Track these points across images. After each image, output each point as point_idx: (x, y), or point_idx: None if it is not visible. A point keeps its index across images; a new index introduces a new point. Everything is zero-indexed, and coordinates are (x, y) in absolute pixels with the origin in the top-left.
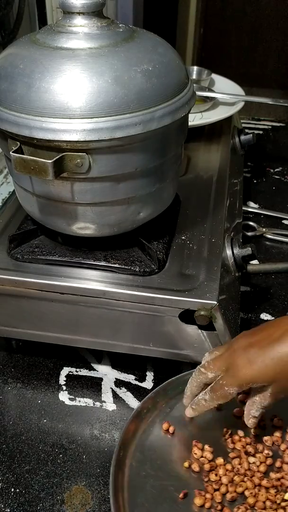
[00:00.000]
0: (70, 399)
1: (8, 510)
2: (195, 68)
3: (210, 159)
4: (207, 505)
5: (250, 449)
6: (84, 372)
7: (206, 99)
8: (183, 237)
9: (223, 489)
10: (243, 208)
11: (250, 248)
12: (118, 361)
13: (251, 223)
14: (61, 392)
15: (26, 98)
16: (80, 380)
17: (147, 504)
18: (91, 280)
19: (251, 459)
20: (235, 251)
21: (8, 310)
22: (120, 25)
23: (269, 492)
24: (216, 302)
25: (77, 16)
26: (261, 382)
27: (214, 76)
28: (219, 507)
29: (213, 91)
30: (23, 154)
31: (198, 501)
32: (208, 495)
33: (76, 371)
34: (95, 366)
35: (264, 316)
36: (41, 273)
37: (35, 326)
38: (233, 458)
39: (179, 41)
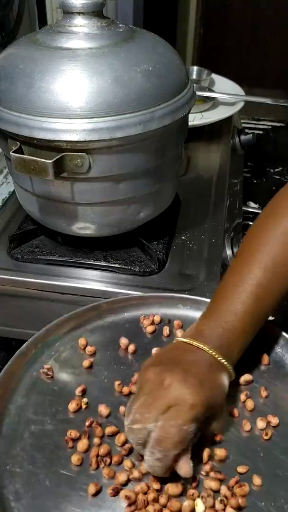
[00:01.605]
0: None
1: None
2: (195, 68)
3: (210, 159)
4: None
5: None
6: None
7: (206, 99)
8: (183, 237)
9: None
10: (243, 208)
11: None
12: None
13: (251, 223)
14: None
15: (26, 98)
16: None
17: (23, 453)
18: (91, 280)
19: None
20: (235, 251)
21: (8, 310)
22: (120, 25)
23: None
24: None
25: (77, 16)
26: (213, 414)
27: (214, 76)
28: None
29: (213, 91)
30: (23, 154)
31: (81, 446)
32: (96, 440)
33: None
34: None
35: None
36: (41, 273)
37: (35, 326)
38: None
39: (179, 41)
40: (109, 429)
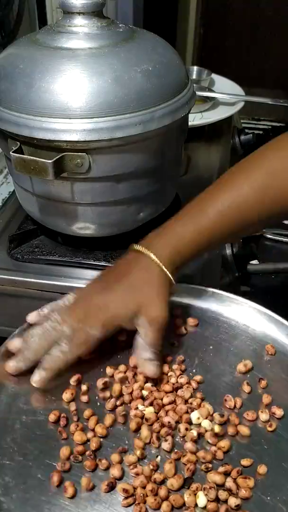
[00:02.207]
0: None
1: None
2: (195, 68)
3: (210, 159)
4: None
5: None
6: None
7: (206, 99)
8: None
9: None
10: None
11: (250, 248)
12: None
13: None
14: None
15: (26, 98)
16: None
17: (13, 444)
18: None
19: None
20: (235, 251)
21: (8, 310)
22: (120, 25)
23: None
24: None
25: (77, 16)
26: (124, 315)
27: (214, 76)
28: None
29: (213, 91)
30: (23, 154)
31: (77, 437)
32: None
33: None
34: None
35: None
36: (41, 273)
37: None
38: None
39: (179, 41)
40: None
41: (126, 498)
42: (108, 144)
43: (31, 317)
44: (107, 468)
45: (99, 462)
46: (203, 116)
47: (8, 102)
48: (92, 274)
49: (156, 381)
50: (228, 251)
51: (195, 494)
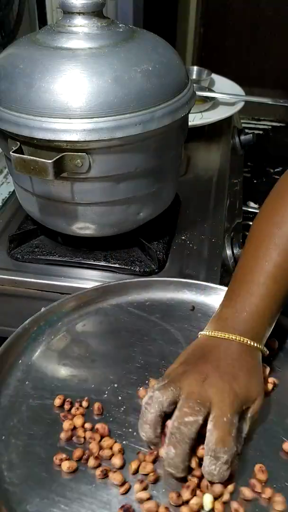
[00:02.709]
0: None
1: None
2: (195, 68)
3: (210, 159)
4: (80, 424)
5: None
6: None
7: (206, 99)
8: (183, 237)
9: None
10: (243, 208)
11: None
12: None
13: (251, 223)
14: None
15: (26, 98)
16: None
17: (19, 425)
18: (91, 280)
19: None
20: (235, 251)
21: (8, 310)
22: (120, 25)
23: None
24: None
25: (77, 16)
26: (250, 402)
27: (214, 76)
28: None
29: (213, 91)
30: (23, 154)
31: (78, 421)
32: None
33: None
34: None
35: None
36: (41, 273)
37: None
38: None
39: (179, 41)
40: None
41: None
42: (108, 144)
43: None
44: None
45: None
46: (203, 116)
47: (8, 102)
48: (92, 274)
49: None
50: (228, 252)
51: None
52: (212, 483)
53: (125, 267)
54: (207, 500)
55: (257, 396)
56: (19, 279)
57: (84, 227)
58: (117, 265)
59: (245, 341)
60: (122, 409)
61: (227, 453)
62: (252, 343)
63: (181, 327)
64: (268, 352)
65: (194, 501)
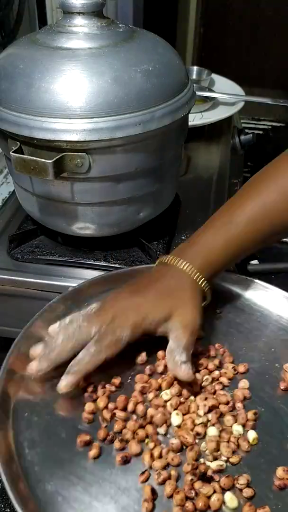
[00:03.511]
0: None
1: (8, 510)
2: (195, 68)
3: (210, 159)
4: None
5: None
6: None
7: (206, 99)
8: (183, 237)
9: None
10: None
11: None
12: None
13: None
14: None
15: (26, 98)
16: None
17: (43, 403)
18: None
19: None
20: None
21: (8, 310)
22: (120, 25)
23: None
24: None
25: (77, 16)
26: (156, 317)
27: (214, 76)
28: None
29: (213, 91)
30: (23, 154)
31: (101, 403)
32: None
33: None
34: None
35: None
36: (41, 273)
37: None
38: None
39: (179, 41)
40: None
41: (142, 473)
42: (108, 144)
43: (53, 328)
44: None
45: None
46: (203, 116)
47: (8, 102)
48: (92, 274)
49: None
50: None
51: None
52: None
53: (125, 267)
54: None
55: (174, 310)
56: (19, 279)
57: (84, 227)
58: (117, 265)
59: (188, 270)
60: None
61: (95, 353)
62: (195, 276)
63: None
64: (210, 299)
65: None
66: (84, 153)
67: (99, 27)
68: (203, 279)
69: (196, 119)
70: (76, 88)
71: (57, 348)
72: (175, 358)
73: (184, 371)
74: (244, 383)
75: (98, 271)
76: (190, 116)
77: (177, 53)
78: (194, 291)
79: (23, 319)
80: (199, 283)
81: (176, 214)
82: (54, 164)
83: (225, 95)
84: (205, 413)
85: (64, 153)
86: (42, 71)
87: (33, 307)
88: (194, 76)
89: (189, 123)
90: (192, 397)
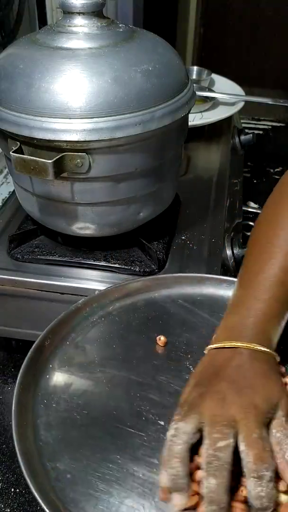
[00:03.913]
0: None
1: (8, 510)
2: (195, 68)
3: (210, 159)
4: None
5: None
6: None
7: (206, 99)
8: (183, 237)
9: None
10: (243, 208)
11: None
12: None
13: (251, 223)
14: None
15: (26, 98)
16: None
17: (61, 393)
18: (91, 280)
19: None
20: (235, 251)
21: (8, 310)
22: (120, 25)
23: None
24: None
25: (77, 16)
26: (272, 407)
27: (214, 76)
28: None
29: (213, 91)
30: (23, 154)
31: None
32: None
33: None
34: None
35: None
36: (41, 273)
37: (35, 326)
38: None
39: (179, 41)
40: None
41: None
42: (108, 144)
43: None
44: None
45: None
46: (203, 116)
47: (8, 102)
48: (92, 274)
49: None
50: (228, 252)
51: None
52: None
53: (125, 267)
54: None
55: (279, 399)
56: (19, 279)
57: (84, 227)
58: (117, 265)
59: (254, 347)
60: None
61: (269, 469)
62: (261, 348)
63: None
64: (279, 358)
65: None
66: (84, 153)
67: (99, 27)
68: (268, 347)
69: (196, 119)
70: (76, 88)
71: (220, 496)
72: (285, 454)
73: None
74: None
75: (98, 271)
76: (190, 116)
77: (177, 53)
78: (273, 369)
79: (23, 319)
80: (270, 353)
81: (176, 214)
82: (54, 164)
83: (225, 95)
84: None
85: (64, 153)
86: (42, 71)
87: (33, 307)
88: (194, 76)
89: (189, 123)
90: None
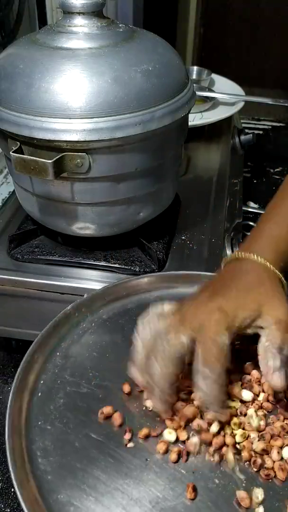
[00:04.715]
0: None
1: (8, 510)
2: (195, 68)
3: (210, 159)
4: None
5: None
6: None
7: (206, 99)
8: (183, 237)
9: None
10: (243, 208)
11: None
12: None
13: (251, 223)
14: None
15: (26, 98)
16: None
17: (56, 412)
18: (91, 280)
19: None
20: (235, 251)
21: (8, 310)
22: (120, 25)
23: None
24: None
25: (77, 16)
26: (247, 315)
27: (214, 76)
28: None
29: (213, 91)
30: (23, 154)
31: (117, 419)
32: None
33: None
34: None
35: None
36: (41, 273)
37: (35, 326)
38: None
39: (179, 41)
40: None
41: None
42: (108, 144)
43: (139, 347)
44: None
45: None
46: (203, 116)
47: (8, 102)
48: (92, 274)
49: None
50: (228, 252)
51: None
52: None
53: (125, 267)
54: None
55: (261, 305)
56: (19, 279)
57: (84, 227)
58: (117, 265)
59: (262, 261)
60: None
61: (213, 372)
62: (270, 266)
63: None
64: (286, 285)
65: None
66: (84, 153)
67: (99, 27)
68: (278, 270)
69: (196, 119)
70: (76, 88)
71: (160, 382)
72: (268, 362)
73: (276, 380)
74: None
75: (98, 271)
76: (190, 116)
77: (177, 53)
78: (274, 283)
79: (23, 319)
80: (276, 272)
81: (176, 214)
82: (54, 164)
83: (225, 95)
84: None
85: (64, 153)
86: (42, 71)
87: (33, 307)
88: (194, 76)
89: (189, 123)
90: None
